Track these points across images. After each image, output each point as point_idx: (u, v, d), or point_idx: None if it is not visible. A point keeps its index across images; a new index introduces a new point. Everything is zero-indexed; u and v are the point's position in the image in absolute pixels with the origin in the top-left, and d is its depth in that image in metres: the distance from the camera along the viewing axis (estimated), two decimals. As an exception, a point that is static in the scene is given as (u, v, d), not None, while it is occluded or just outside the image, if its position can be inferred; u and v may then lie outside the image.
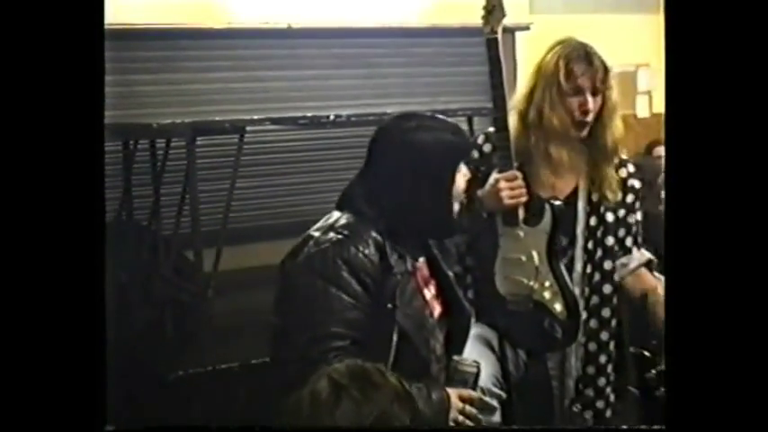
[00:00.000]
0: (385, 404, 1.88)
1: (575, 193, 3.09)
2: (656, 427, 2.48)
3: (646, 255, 3.13)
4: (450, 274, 2.74)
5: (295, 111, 5.86)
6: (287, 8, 6.14)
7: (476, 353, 2.81)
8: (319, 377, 1.92)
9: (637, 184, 3.15)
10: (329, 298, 2.41)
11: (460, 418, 2.52)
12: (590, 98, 2.99)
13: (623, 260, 3.11)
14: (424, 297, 2.59)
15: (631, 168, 3.16)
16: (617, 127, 3.05)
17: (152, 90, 5.82)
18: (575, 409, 3.18)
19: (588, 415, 3.18)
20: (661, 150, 5.80)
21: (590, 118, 3.00)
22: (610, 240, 3.10)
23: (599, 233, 3.10)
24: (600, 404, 3.18)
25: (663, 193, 2.99)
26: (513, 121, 3.01)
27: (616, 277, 3.12)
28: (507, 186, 2.95)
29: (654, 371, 3.29)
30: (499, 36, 2.97)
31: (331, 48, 6.31)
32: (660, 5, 5.81)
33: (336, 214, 2.55)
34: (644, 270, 3.15)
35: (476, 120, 5.81)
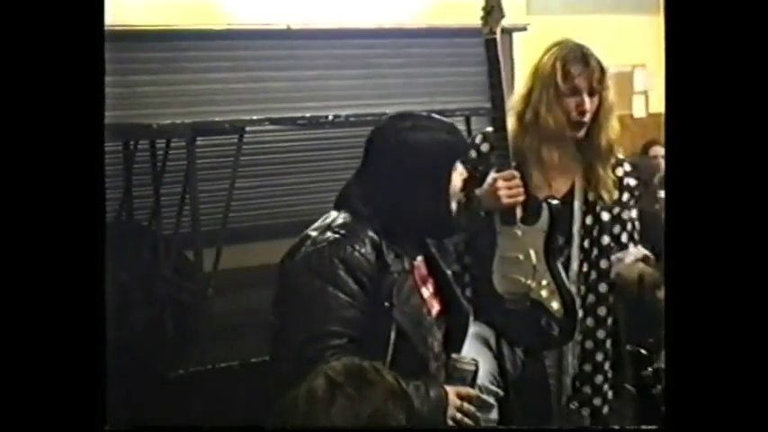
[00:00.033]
0: (380, 402, 1.89)
1: (571, 192, 3.11)
2: (653, 426, 2.50)
3: (642, 251, 3.13)
4: (449, 272, 2.74)
5: (294, 111, 5.85)
6: (286, 9, 6.13)
7: (473, 351, 2.81)
8: (316, 375, 1.93)
9: (633, 182, 3.16)
10: (326, 297, 2.42)
11: (458, 415, 2.52)
12: (587, 98, 3.00)
13: (619, 255, 3.11)
14: (421, 295, 2.60)
15: (627, 167, 3.17)
16: (613, 127, 3.07)
17: (152, 91, 5.81)
18: (572, 406, 3.18)
19: (585, 412, 3.19)
20: (657, 150, 5.82)
21: (587, 118, 3.01)
22: (605, 239, 3.11)
23: (595, 232, 3.11)
24: (597, 401, 3.19)
25: (659, 193, 2.99)
26: (510, 121, 3.02)
27: (612, 271, 3.11)
28: (505, 186, 2.97)
29: (650, 368, 3.31)
30: (498, 36, 2.98)
31: (330, 48, 6.31)
32: (656, 6, 5.85)
33: (334, 214, 2.56)
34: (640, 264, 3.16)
35: (474, 120, 5.81)
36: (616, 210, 3.12)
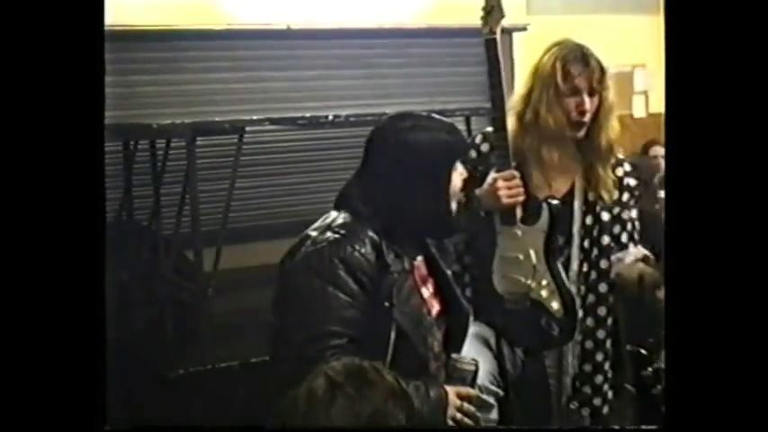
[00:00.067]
0: (380, 402, 1.89)
1: (571, 192, 3.11)
2: (653, 426, 2.50)
3: (642, 251, 3.13)
4: (449, 272, 2.75)
5: (294, 111, 5.86)
6: (286, 9, 6.14)
7: (473, 351, 2.81)
8: (316, 375, 1.94)
9: (632, 182, 3.17)
10: (326, 297, 2.42)
11: (458, 415, 2.52)
12: (587, 98, 3.00)
13: (619, 255, 3.11)
14: (421, 295, 2.60)
15: (627, 167, 3.18)
16: (613, 127, 3.07)
17: (152, 91, 5.82)
18: (572, 406, 3.19)
19: (585, 412, 3.19)
20: (657, 150, 5.82)
21: (587, 118, 3.01)
22: (605, 239, 3.11)
23: (595, 232, 3.11)
24: (597, 401, 3.19)
25: (659, 193, 2.99)
26: (510, 121, 3.03)
27: (612, 271, 3.11)
28: (505, 186, 2.97)
29: (650, 368, 3.31)
30: (498, 36, 2.98)
31: (330, 48, 6.31)
32: (656, 6, 5.85)
33: (334, 214, 2.57)
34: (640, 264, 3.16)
35: (473, 120, 5.81)
36: (616, 210, 3.12)
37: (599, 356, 3.17)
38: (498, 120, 2.99)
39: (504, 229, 3.05)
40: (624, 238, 3.13)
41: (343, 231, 2.49)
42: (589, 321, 3.14)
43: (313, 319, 2.42)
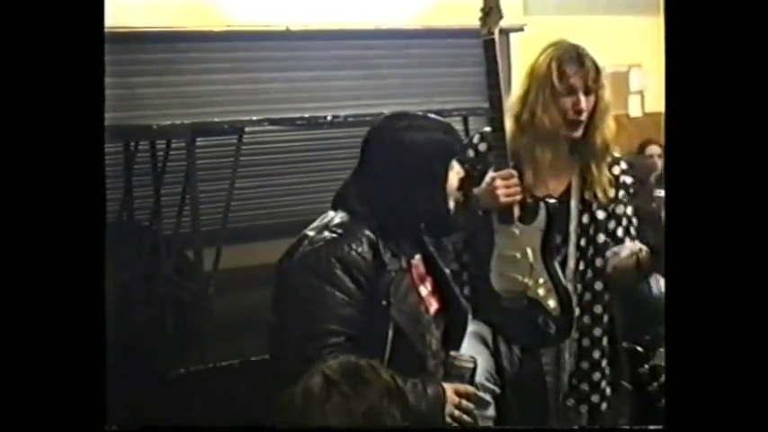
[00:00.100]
0: (374, 399, 1.91)
1: (568, 191, 3.12)
2: (654, 426, 2.50)
3: (638, 245, 3.12)
4: (447, 271, 2.76)
5: (293, 112, 5.83)
6: (285, 11, 6.13)
7: (470, 349, 2.81)
8: (314, 373, 1.96)
9: (629, 180, 3.17)
10: (323, 296, 2.43)
11: (456, 412, 2.54)
12: (583, 97, 3.02)
13: (615, 249, 3.11)
14: (419, 293, 2.61)
15: (624, 165, 3.19)
16: (609, 126, 3.08)
17: (152, 92, 5.79)
18: (569, 403, 3.20)
19: (584, 409, 3.21)
20: (653, 149, 5.83)
21: (584, 117, 3.03)
22: (601, 238, 3.12)
23: (591, 230, 3.12)
24: (595, 398, 3.20)
25: (655, 192, 3.00)
26: (508, 123, 3.04)
27: (609, 265, 3.11)
28: (503, 185, 2.99)
29: (646, 365, 3.31)
30: (496, 37, 3.00)
31: (329, 49, 6.29)
32: (652, 7, 5.86)
33: (331, 214, 2.58)
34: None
35: (471, 119, 5.81)
36: (611, 207, 3.13)
37: (596, 354, 3.18)
38: (496, 120, 3.01)
39: (502, 228, 3.07)
40: (620, 232, 3.14)
41: (339, 231, 2.50)
42: (586, 319, 3.16)
43: (311, 318, 2.43)
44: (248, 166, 5.70)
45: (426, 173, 2.54)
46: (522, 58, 5.24)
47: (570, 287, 3.10)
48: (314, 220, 2.61)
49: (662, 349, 3.41)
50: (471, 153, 3.13)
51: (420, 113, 2.66)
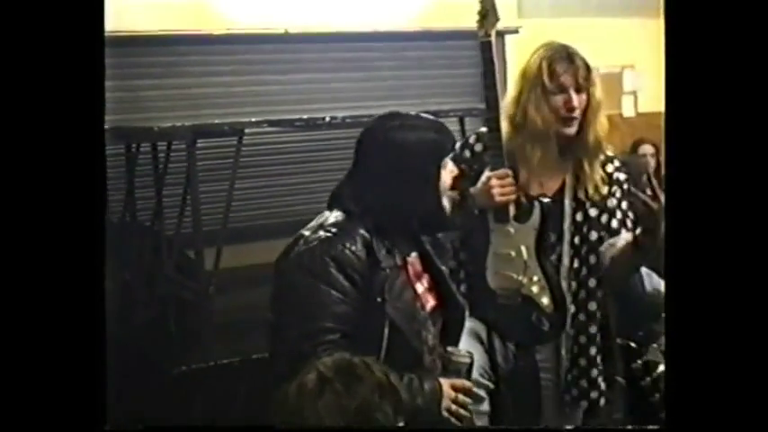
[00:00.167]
0: (366, 395, 1.93)
1: (562, 190, 3.14)
2: (653, 426, 2.52)
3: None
4: (444, 268, 2.77)
5: (292, 113, 5.82)
6: (284, 14, 6.14)
7: (465, 345, 2.83)
8: (309, 370, 1.98)
9: (622, 176, 3.18)
10: (319, 294, 2.46)
11: (453, 407, 2.56)
12: (574, 95, 3.03)
13: (611, 240, 3.11)
14: (415, 290, 2.63)
15: (617, 163, 3.20)
16: (602, 123, 3.09)
17: (153, 95, 5.78)
18: (567, 398, 3.23)
19: (583, 404, 3.23)
20: (646, 148, 5.86)
21: (576, 114, 3.04)
22: (594, 235, 3.13)
23: (584, 228, 3.14)
24: (594, 394, 3.22)
25: (648, 190, 3.04)
26: (503, 125, 3.07)
27: (606, 256, 3.10)
28: (498, 184, 3.01)
29: (639, 361, 3.37)
30: (493, 39, 3.03)
31: (327, 52, 6.27)
32: (645, 9, 5.88)
33: (327, 213, 2.61)
34: None
35: (467, 120, 5.78)
36: (605, 203, 3.14)
37: (592, 350, 3.20)
38: (492, 120, 3.04)
39: (498, 227, 3.10)
40: (615, 224, 3.13)
41: (334, 230, 2.52)
42: (581, 316, 3.18)
43: (306, 316, 2.46)
44: (248, 167, 5.67)
45: (418, 171, 2.56)
46: (517, 59, 5.25)
47: (565, 285, 3.13)
48: (312, 220, 2.63)
49: (655, 345, 3.47)
50: (467, 153, 3.16)
51: (413, 113, 2.67)
